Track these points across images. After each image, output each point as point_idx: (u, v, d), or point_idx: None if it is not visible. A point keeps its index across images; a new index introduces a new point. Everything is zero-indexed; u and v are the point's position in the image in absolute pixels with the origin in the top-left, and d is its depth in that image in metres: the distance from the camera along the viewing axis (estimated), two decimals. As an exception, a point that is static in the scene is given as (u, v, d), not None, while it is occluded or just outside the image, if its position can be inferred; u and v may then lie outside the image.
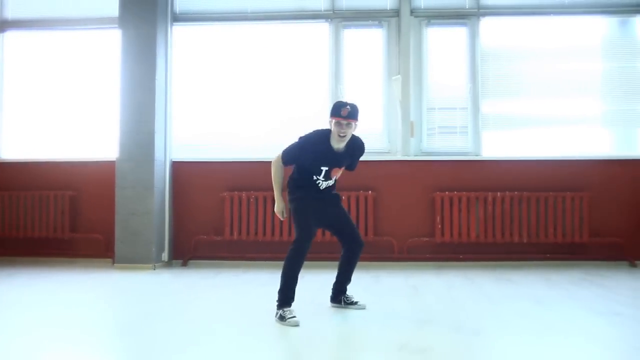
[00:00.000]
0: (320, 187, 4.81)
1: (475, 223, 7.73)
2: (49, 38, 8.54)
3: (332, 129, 4.65)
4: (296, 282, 4.56)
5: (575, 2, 8.07)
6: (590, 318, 4.64)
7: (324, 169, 4.73)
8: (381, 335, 4.09)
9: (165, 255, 7.88)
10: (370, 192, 7.80)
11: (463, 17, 8.15)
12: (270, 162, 4.80)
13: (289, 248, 4.58)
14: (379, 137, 8.09)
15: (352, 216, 7.67)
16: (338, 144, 4.68)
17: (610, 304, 5.16)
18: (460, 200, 7.75)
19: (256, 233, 7.83)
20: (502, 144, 8.02)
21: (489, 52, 8.11)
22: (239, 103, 8.25)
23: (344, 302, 5.02)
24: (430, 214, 7.86)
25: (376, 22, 8.24)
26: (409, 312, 4.92)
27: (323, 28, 8.28)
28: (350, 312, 4.85)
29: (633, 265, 7.59)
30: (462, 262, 7.77)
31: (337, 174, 4.85)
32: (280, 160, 4.75)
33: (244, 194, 7.82)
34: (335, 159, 4.74)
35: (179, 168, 8.14)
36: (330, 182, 4.84)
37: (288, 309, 4.45)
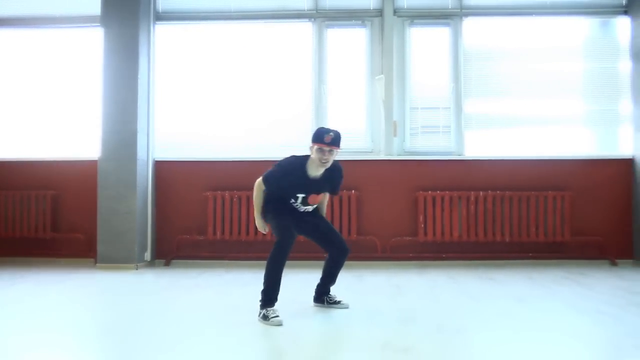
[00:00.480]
0: (299, 210, 4.83)
1: (458, 222, 7.76)
2: (31, 36, 8.47)
3: (314, 155, 4.63)
4: (279, 282, 4.55)
5: (557, 3, 8.13)
6: (571, 316, 4.67)
7: (300, 195, 4.74)
8: (364, 334, 4.09)
9: (147, 255, 7.85)
10: (353, 191, 7.81)
11: (446, 17, 8.18)
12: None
13: (272, 249, 4.57)
14: (362, 137, 8.10)
15: (335, 216, 7.69)
16: (316, 171, 4.69)
17: (591, 302, 5.20)
18: (443, 199, 7.77)
19: (239, 233, 7.81)
20: (484, 144, 8.06)
21: (471, 52, 8.15)
22: (221, 102, 8.24)
23: (327, 301, 5.03)
24: (413, 214, 7.88)
25: (359, 22, 8.26)
26: (392, 311, 4.93)
27: (306, 28, 8.28)
28: (333, 312, 4.86)
29: (614, 263, 7.65)
30: (445, 261, 7.80)
31: (317, 200, 4.86)
32: (262, 184, 4.75)
33: (227, 194, 7.81)
34: (311, 186, 4.75)
35: (161, 167, 8.11)
36: (309, 208, 4.86)
37: (271, 308, 4.45)
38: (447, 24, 8.19)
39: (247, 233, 7.79)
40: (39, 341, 3.96)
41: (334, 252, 4.94)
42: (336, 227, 7.69)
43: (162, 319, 4.65)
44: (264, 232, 4.91)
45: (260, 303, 4.51)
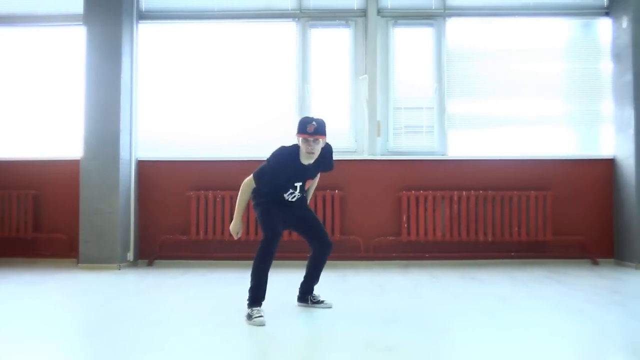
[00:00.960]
0: (292, 200, 4.80)
1: (441, 222, 7.79)
2: (12, 35, 8.40)
3: (300, 146, 4.61)
4: (266, 282, 4.55)
5: (539, 4, 8.18)
6: (552, 315, 4.70)
7: (299, 184, 4.73)
8: (347, 334, 4.10)
9: (130, 255, 7.81)
10: (337, 191, 7.82)
11: (429, 18, 8.21)
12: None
13: (258, 247, 4.57)
14: (346, 137, 8.12)
15: (319, 215, 7.68)
16: (307, 159, 4.65)
17: (572, 301, 5.24)
18: (426, 199, 7.80)
19: (222, 232, 7.80)
20: (467, 144, 8.10)
21: (454, 53, 8.18)
22: (205, 102, 8.21)
23: (311, 301, 5.01)
24: (396, 213, 7.90)
25: (343, 22, 8.26)
26: (375, 310, 4.94)
27: (290, 27, 8.28)
28: (317, 311, 4.86)
29: (595, 263, 7.71)
30: (428, 260, 7.83)
31: (309, 184, 4.89)
32: (253, 182, 4.69)
33: (210, 193, 7.79)
34: (308, 172, 4.75)
35: (144, 167, 8.07)
36: (299, 195, 4.83)
37: (257, 308, 4.45)
38: (431, 25, 8.21)
39: (231, 233, 7.76)
40: (19, 343, 3.94)
41: (318, 245, 4.91)
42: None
43: (145, 319, 4.63)
44: (236, 237, 4.81)
45: (247, 302, 4.51)
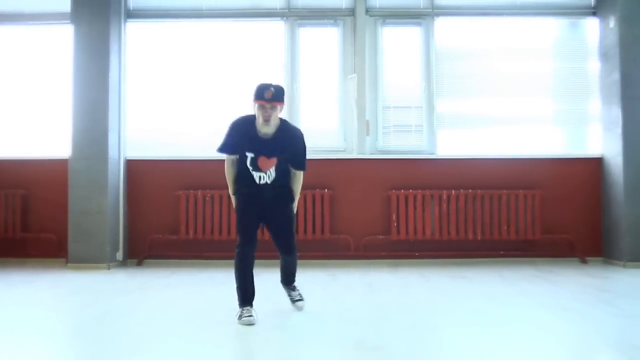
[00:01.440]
0: (257, 181, 4.52)
1: (430, 221, 7.81)
2: (-1, 34, 8.38)
3: (256, 114, 4.42)
4: (251, 282, 4.52)
5: (527, 4, 8.21)
6: (541, 313, 4.73)
7: (250, 155, 4.47)
8: (337, 333, 4.11)
9: (119, 255, 7.79)
10: (326, 190, 7.82)
11: (418, 17, 8.22)
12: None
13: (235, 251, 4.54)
14: (335, 136, 8.11)
15: (309, 215, 7.69)
16: (264, 129, 4.42)
17: (560, 299, 5.27)
18: (415, 198, 7.82)
19: (212, 232, 7.78)
20: (456, 143, 8.12)
21: (443, 52, 8.20)
22: (193, 101, 8.20)
23: (288, 293, 4.99)
24: (386, 212, 7.92)
25: (332, 21, 8.27)
26: (365, 309, 4.96)
27: (278, 26, 8.27)
28: (307, 311, 4.86)
29: (583, 261, 7.75)
30: (417, 259, 7.84)
31: (268, 166, 4.49)
32: (222, 154, 4.63)
33: (199, 193, 7.78)
34: (262, 146, 4.46)
35: (133, 166, 8.05)
36: (266, 176, 4.51)
37: (247, 307, 4.43)
38: (419, 24, 8.23)
39: (220, 232, 7.77)
40: (7, 344, 3.92)
41: (280, 251, 4.81)
42: (309, 226, 7.71)
43: (134, 319, 4.63)
44: None
45: (238, 302, 4.50)
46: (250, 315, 4.36)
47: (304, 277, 6.17)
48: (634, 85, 7.52)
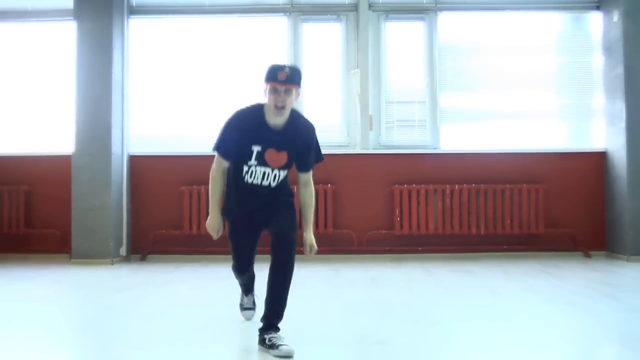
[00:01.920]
0: (258, 182, 3.72)
1: (434, 215, 7.80)
2: (2, 30, 8.35)
3: (268, 99, 3.66)
4: (252, 280, 4.23)
5: (530, -2, 8.21)
6: (545, 307, 4.73)
7: (256, 149, 3.66)
8: (340, 327, 4.11)
9: (123, 250, 7.80)
10: (329, 185, 7.82)
11: (421, 12, 8.21)
12: None
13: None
14: (338, 131, 8.11)
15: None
16: (275, 119, 3.65)
17: (564, 293, 5.27)
18: (418, 192, 7.81)
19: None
20: (459, 137, 8.11)
21: (446, 47, 8.19)
22: (196, 96, 8.19)
23: (265, 343, 3.52)
24: (389, 207, 7.91)
25: (335, 16, 8.25)
26: (368, 304, 4.96)
27: (281, 22, 8.26)
28: (309, 305, 4.86)
29: (587, 255, 7.74)
30: (420, 254, 7.84)
31: (277, 161, 3.70)
32: (217, 153, 3.86)
33: (202, 188, 7.77)
34: (271, 138, 3.67)
35: (136, 162, 8.05)
36: (271, 175, 3.72)
37: (250, 294, 4.30)
38: (422, 19, 8.21)
39: (223, 227, 7.75)
40: (11, 338, 3.93)
41: (274, 243, 3.63)
42: (312, 220, 7.67)
43: (137, 314, 4.63)
44: (216, 236, 3.89)
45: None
46: (251, 309, 4.29)
47: (306, 272, 6.18)
48: (637, 79, 7.49)
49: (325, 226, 7.73)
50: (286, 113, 3.63)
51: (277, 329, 3.57)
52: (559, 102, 8.15)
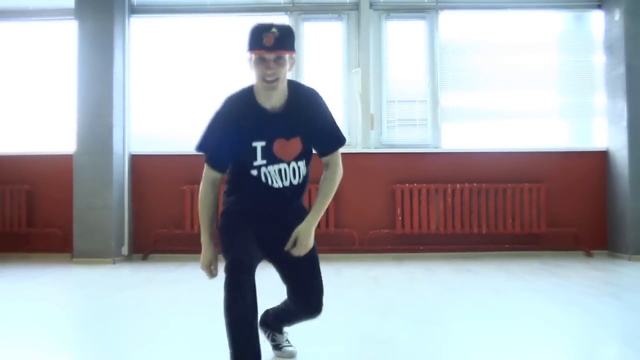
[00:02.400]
0: (277, 184, 2.97)
1: (435, 214, 7.80)
2: (4, 29, 8.35)
3: (255, 73, 2.88)
4: (253, 338, 2.83)
5: (532, -3, 8.20)
6: (547, 306, 4.72)
7: (260, 144, 2.89)
8: (343, 326, 4.11)
9: (125, 249, 7.80)
10: (331, 184, 7.80)
11: (422, 11, 8.20)
12: None
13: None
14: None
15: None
16: (269, 98, 2.88)
17: (566, 292, 5.27)
18: (420, 192, 7.81)
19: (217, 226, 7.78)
20: (461, 136, 8.11)
21: (447, 46, 8.18)
22: (198, 96, 8.18)
23: (271, 338, 3.38)
24: (390, 206, 7.91)
25: (336, 15, 8.25)
26: (370, 303, 4.96)
27: (283, 21, 8.25)
28: (312, 304, 4.84)
29: (589, 254, 7.74)
30: (422, 253, 7.84)
31: (292, 152, 2.95)
32: (208, 170, 3.17)
33: (204, 187, 7.77)
34: (274, 125, 2.89)
35: (138, 161, 8.06)
36: (289, 171, 2.98)
37: None
38: (423, 18, 8.21)
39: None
40: (14, 338, 3.93)
41: (300, 305, 3.17)
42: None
43: (139, 313, 4.63)
44: (211, 276, 3.20)
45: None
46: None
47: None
48: (639, 78, 7.48)
49: (327, 225, 7.72)
50: (280, 87, 2.86)
51: (281, 330, 3.42)
52: (560, 101, 8.15)
